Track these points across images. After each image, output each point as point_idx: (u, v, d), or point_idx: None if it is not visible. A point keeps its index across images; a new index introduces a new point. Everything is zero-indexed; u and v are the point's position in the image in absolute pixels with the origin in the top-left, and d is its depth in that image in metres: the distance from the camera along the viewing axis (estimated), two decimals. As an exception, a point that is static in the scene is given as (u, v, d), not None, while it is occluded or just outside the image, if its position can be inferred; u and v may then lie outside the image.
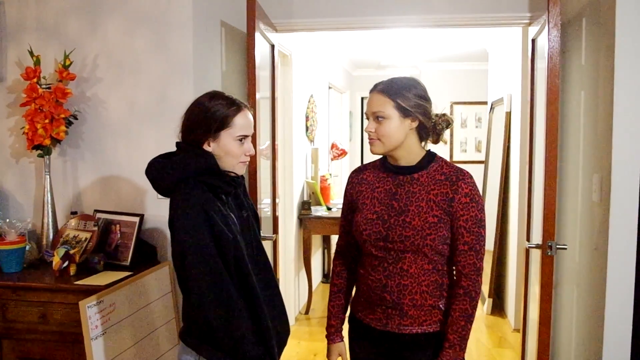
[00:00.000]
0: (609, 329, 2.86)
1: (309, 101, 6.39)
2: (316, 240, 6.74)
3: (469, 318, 2.09)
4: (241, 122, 2.06)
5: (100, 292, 2.55)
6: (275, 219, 3.96)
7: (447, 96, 9.41)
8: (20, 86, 3.27)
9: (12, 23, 3.38)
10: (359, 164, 10.26)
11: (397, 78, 2.18)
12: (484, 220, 2.12)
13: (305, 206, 5.95)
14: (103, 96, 3.32)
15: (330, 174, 7.22)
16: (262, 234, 3.45)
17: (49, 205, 3.25)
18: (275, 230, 3.93)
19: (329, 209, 6.24)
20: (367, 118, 2.17)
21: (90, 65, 3.31)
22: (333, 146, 7.86)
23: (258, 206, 3.45)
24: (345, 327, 2.38)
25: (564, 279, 3.54)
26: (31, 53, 3.20)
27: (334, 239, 8.04)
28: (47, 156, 3.23)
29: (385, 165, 2.24)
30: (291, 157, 5.58)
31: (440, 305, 2.14)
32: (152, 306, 2.90)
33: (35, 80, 3.14)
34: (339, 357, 2.38)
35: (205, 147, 2.05)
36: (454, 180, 2.10)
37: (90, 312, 2.45)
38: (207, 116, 2.03)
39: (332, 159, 7.92)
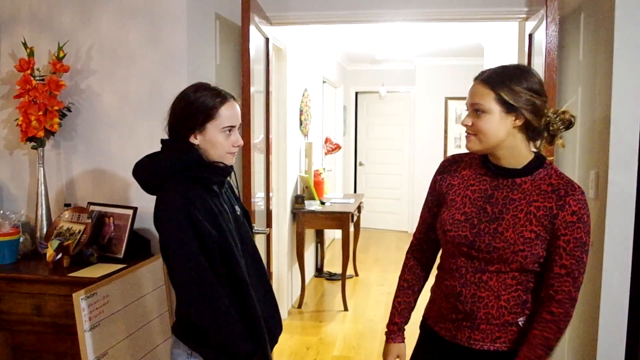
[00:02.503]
0: (604, 326, 2.87)
1: (303, 95, 6.39)
2: (309, 235, 6.74)
3: (549, 350, 1.82)
4: (227, 113, 2.03)
5: (93, 285, 2.54)
6: (268, 213, 3.96)
7: (442, 91, 9.42)
8: (14, 78, 3.23)
9: (5, 14, 3.35)
10: (352, 159, 10.37)
11: (507, 66, 1.89)
12: (589, 245, 1.85)
13: (298, 200, 5.95)
14: (97, 88, 3.29)
15: (324, 169, 7.22)
16: (255, 228, 3.46)
17: (43, 197, 3.23)
18: (268, 224, 3.93)
19: (322, 203, 6.24)
20: (467, 110, 1.92)
21: (84, 58, 3.28)
22: (327, 140, 7.86)
23: (252, 200, 3.44)
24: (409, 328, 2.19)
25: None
26: (25, 45, 3.17)
27: (327, 233, 8.07)
28: (41, 148, 3.20)
29: (484, 162, 1.96)
30: (285, 151, 5.58)
31: (520, 323, 1.89)
32: (146, 299, 2.89)
33: (28, 72, 3.11)
34: (397, 359, 2.16)
35: (192, 139, 2.03)
36: (561, 194, 1.81)
37: (83, 304, 2.44)
38: (192, 109, 2.01)
39: (325, 153, 7.93)
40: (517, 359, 1.83)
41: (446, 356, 2.01)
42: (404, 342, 2.16)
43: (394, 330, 2.15)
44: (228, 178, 2.18)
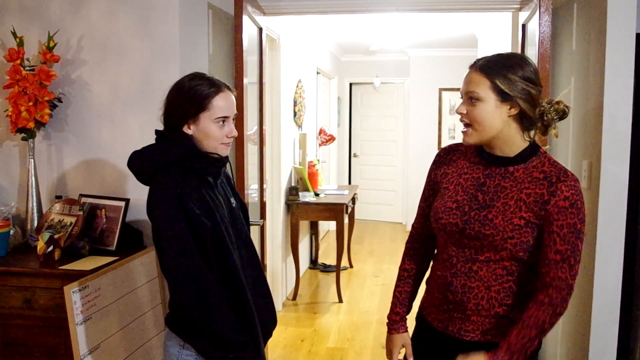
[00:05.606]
0: (597, 314, 2.88)
1: (297, 86, 6.37)
2: (304, 226, 6.74)
3: (542, 333, 1.79)
4: (220, 103, 2.01)
5: (85, 277, 2.52)
6: (262, 205, 3.94)
7: (436, 82, 9.40)
8: (4, 68, 3.20)
9: (-6, 3, 3.32)
10: (347, 150, 10.36)
11: (503, 54, 1.86)
12: (583, 233, 1.80)
13: (293, 192, 5.94)
14: (88, 79, 3.26)
15: (318, 160, 7.21)
16: (250, 220, 3.44)
17: (33, 189, 3.20)
18: (262, 215, 3.91)
19: (316, 194, 6.23)
20: (461, 98, 1.89)
21: (74, 47, 3.25)
22: (321, 131, 7.84)
23: (245, 192, 3.42)
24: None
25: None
26: (14, 34, 3.14)
27: (322, 224, 8.07)
28: (31, 139, 3.17)
29: (479, 151, 1.95)
30: (279, 143, 5.56)
31: (512, 316, 1.86)
32: (138, 291, 2.87)
33: (18, 62, 3.08)
34: (403, 348, 2.12)
35: (186, 129, 2.01)
36: (553, 181, 1.78)
37: (75, 297, 2.42)
38: (186, 98, 1.99)
39: (320, 145, 7.91)
40: (509, 336, 1.79)
41: (438, 347, 2.00)
42: (407, 331, 2.14)
43: (397, 320, 2.13)
44: (225, 169, 2.17)
